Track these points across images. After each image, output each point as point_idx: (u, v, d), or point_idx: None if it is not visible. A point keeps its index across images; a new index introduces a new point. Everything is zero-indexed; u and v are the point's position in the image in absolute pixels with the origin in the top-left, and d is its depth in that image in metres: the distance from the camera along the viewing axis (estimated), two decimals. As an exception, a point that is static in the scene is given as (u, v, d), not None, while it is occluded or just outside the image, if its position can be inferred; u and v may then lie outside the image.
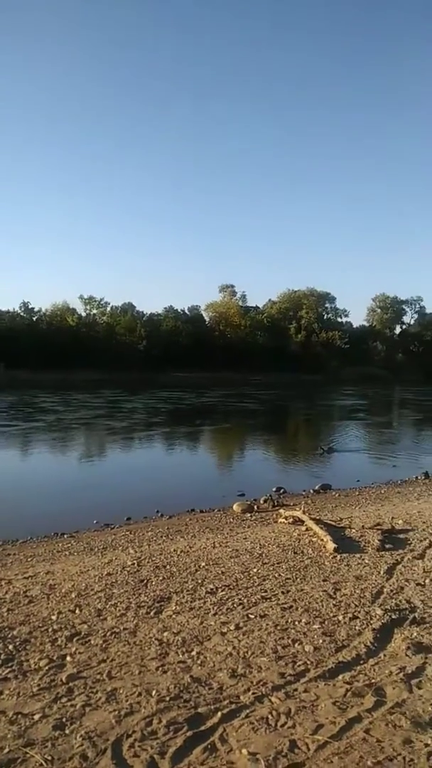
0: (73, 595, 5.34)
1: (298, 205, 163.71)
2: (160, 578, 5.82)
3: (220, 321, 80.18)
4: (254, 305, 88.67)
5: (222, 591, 5.33)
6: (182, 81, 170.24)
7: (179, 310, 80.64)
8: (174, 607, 4.93)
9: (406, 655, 3.95)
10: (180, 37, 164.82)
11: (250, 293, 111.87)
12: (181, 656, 3.96)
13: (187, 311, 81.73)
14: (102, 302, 79.52)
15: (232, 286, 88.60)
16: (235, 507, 10.20)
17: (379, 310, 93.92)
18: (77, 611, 4.90)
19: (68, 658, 3.94)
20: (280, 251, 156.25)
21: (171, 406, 34.10)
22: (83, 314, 76.88)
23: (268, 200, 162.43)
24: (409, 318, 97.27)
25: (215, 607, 4.89)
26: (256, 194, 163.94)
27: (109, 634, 4.37)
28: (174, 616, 4.73)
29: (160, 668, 3.78)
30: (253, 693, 3.45)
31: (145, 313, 79.28)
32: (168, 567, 6.26)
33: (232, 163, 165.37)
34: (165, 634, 4.35)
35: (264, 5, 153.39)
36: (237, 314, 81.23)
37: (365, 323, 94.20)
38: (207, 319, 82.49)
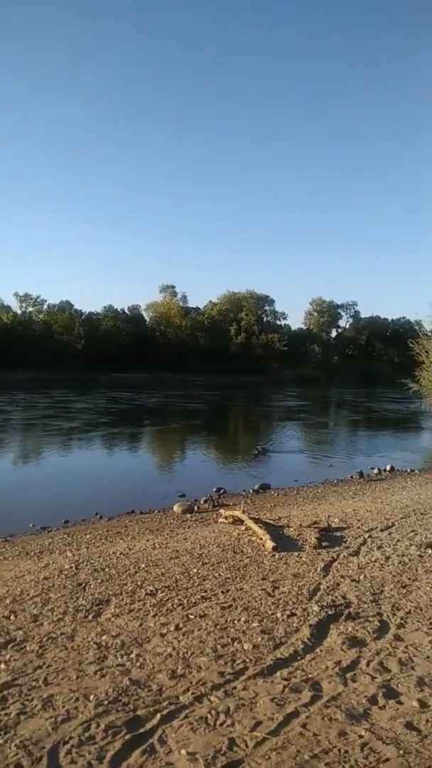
0: (7, 601, 5.18)
1: (239, 208, 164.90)
2: (99, 581, 5.74)
3: (161, 321, 79.83)
4: (195, 306, 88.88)
5: (162, 592, 5.31)
6: (123, 82, 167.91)
7: (119, 310, 79.64)
8: (113, 610, 4.87)
9: (342, 649, 4.06)
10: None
11: (190, 294, 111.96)
12: (120, 659, 3.92)
13: (127, 311, 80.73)
14: (38, 300, 77.69)
15: (173, 287, 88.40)
16: (175, 508, 10.18)
17: (316, 314, 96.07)
18: (12, 617, 4.75)
19: (2, 666, 3.82)
20: (221, 253, 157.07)
21: (116, 407, 33.63)
22: (18, 312, 74.79)
23: (208, 202, 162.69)
24: (344, 322, 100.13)
25: (155, 609, 4.87)
26: (197, 196, 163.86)
27: (45, 639, 4.27)
28: (113, 618, 4.67)
29: (99, 672, 3.72)
30: (193, 693, 3.45)
31: (83, 312, 77.83)
32: (107, 569, 6.18)
33: (172, 163, 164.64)
34: (104, 637, 4.28)
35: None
36: (178, 315, 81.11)
37: (303, 326, 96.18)
38: (147, 319, 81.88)
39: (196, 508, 10.26)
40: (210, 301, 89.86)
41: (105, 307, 79.11)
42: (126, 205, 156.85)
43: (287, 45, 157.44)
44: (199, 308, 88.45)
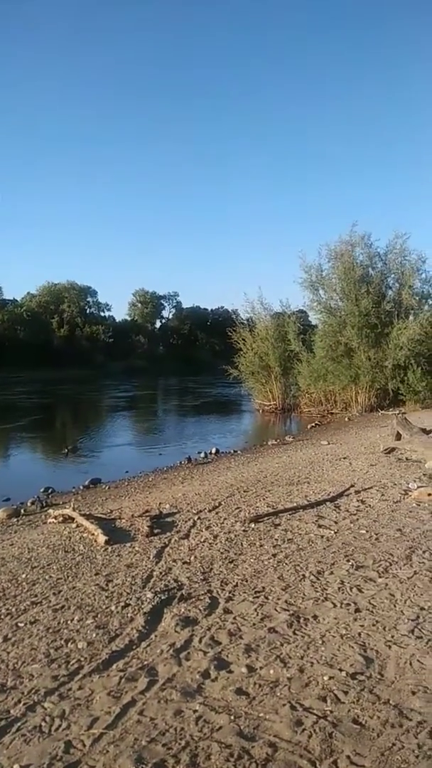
0: None
1: (52, 194, 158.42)
2: None
3: (-27, 315, 74.11)
4: (11, 298, 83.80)
5: (-13, 604, 4.99)
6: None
7: None
8: None
9: (176, 631, 4.18)
10: None
11: (5, 285, 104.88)
12: None
13: None
14: None
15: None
16: (-1, 513, 9.59)
17: (139, 305, 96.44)
18: None
19: None
20: (36, 242, 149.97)
21: None
22: None
23: (19, 184, 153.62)
24: (167, 312, 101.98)
25: (-21, 623, 4.56)
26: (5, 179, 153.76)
27: None
28: None
29: None
30: (24, 703, 3.31)
31: None
32: None
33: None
34: None
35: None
36: (-8, 308, 75.99)
37: (127, 317, 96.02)
38: None
39: (22, 511, 9.78)
40: (28, 293, 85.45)
41: None
42: None
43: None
44: (16, 300, 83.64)
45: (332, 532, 6.62)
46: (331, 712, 3.10)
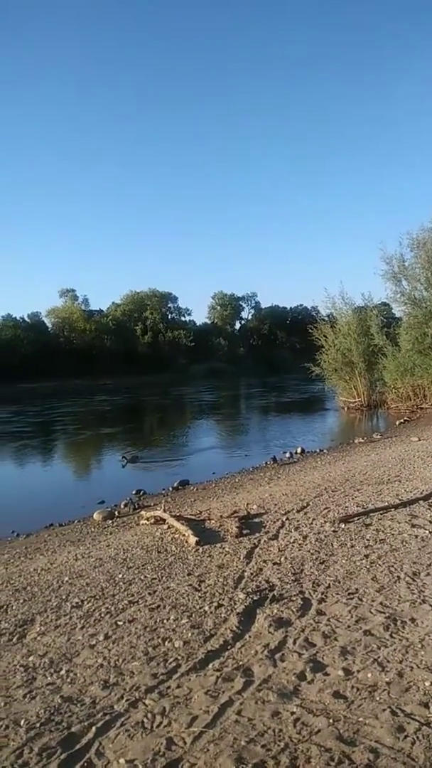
0: None
1: (132, 206, 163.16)
2: (21, 601, 5.55)
3: (64, 327, 77.66)
4: (98, 309, 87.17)
5: (88, 603, 5.22)
6: None
7: (18, 318, 76.57)
8: (38, 629, 4.73)
9: (269, 632, 4.19)
10: None
11: (91, 296, 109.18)
12: (49, 678, 3.82)
13: (27, 318, 77.83)
14: None
15: (73, 290, 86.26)
16: (95, 516, 10.00)
17: (219, 308, 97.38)
18: None
19: None
20: (119, 253, 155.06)
21: (28, 419, 32.35)
22: None
23: (100, 203, 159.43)
24: (246, 313, 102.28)
25: (82, 621, 4.79)
26: (88, 195, 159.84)
27: (-33, 671, 4.07)
28: (39, 638, 4.54)
29: (28, 695, 3.62)
30: (127, 699, 3.44)
31: (-21, 322, 74.06)
32: (29, 588, 5.98)
33: (58, 160, 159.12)
34: (30, 658, 4.16)
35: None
36: (81, 318, 79.20)
37: (207, 320, 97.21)
38: (50, 325, 79.36)
39: (116, 513, 10.14)
40: (113, 303, 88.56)
41: (3, 316, 75.79)
42: (17, 208, 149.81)
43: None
44: (102, 310, 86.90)
45: (427, 531, 6.38)
46: (435, 719, 3.00)
